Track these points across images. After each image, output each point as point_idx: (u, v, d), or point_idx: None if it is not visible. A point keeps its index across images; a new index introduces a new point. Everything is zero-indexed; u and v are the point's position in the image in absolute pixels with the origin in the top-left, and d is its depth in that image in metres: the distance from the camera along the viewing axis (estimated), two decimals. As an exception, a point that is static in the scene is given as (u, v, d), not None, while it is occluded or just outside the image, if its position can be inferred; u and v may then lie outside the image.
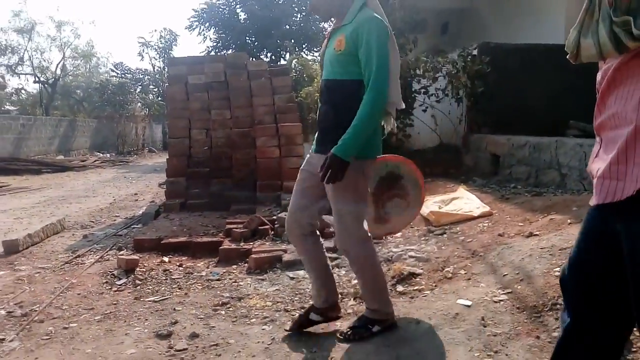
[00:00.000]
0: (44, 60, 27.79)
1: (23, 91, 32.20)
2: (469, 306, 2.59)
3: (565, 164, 4.77)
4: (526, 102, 6.46)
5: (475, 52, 6.56)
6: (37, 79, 27.28)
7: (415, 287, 3.03)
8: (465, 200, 4.51)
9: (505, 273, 2.87)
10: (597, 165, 1.26)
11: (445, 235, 3.96)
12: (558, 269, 2.72)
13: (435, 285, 3.03)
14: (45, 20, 44.62)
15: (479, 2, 10.12)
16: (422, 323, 2.51)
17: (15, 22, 25.87)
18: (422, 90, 6.82)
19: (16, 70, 27.23)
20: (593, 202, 1.25)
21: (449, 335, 2.35)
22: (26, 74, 27.44)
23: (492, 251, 3.28)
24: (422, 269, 3.31)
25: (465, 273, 3.09)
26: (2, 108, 31.03)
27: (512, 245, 3.25)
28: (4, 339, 2.60)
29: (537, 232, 3.39)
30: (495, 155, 5.94)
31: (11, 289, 3.39)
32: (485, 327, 2.37)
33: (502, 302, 2.57)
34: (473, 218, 4.13)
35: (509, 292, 2.65)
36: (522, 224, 3.73)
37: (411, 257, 3.52)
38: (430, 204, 4.62)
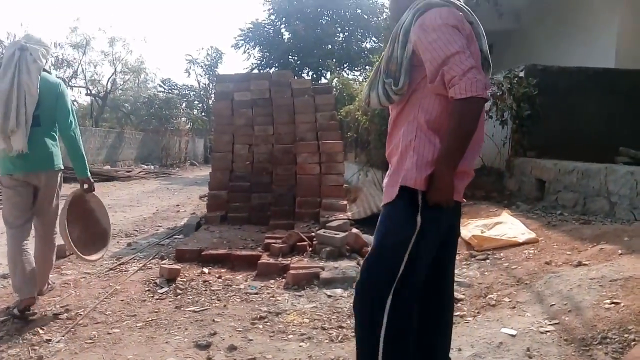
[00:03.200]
0: (96, 74, 29.00)
1: (75, 103, 33.76)
2: (513, 336, 2.50)
3: (615, 192, 4.57)
4: (574, 126, 6.27)
5: (521, 74, 6.42)
6: (88, 92, 28.52)
7: (457, 313, 2.95)
8: (509, 226, 4.38)
9: (553, 303, 2.76)
10: (386, 180, 1.83)
11: (488, 261, 3.85)
12: (608, 300, 2.60)
13: (478, 312, 2.95)
14: (98, 34, 46.84)
15: (527, 24, 9.95)
16: (463, 350, 2.44)
17: (72, 37, 27.19)
18: (466, 112, 6.69)
19: (70, 83, 28.58)
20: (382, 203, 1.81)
21: (492, 364, 2.27)
22: (79, 86, 28.71)
23: (538, 279, 3.17)
24: (463, 294, 3.23)
25: (510, 301, 2.99)
26: (56, 119, 32.48)
27: (560, 274, 3.12)
28: (50, 340, 2.69)
29: (586, 262, 3.25)
30: (541, 181, 5.76)
31: (58, 292, 3.51)
32: (530, 358, 2.28)
33: (548, 333, 2.46)
34: (518, 244, 4.00)
35: (556, 323, 2.54)
36: (570, 253, 3.59)
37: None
38: (472, 228, 4.51)
